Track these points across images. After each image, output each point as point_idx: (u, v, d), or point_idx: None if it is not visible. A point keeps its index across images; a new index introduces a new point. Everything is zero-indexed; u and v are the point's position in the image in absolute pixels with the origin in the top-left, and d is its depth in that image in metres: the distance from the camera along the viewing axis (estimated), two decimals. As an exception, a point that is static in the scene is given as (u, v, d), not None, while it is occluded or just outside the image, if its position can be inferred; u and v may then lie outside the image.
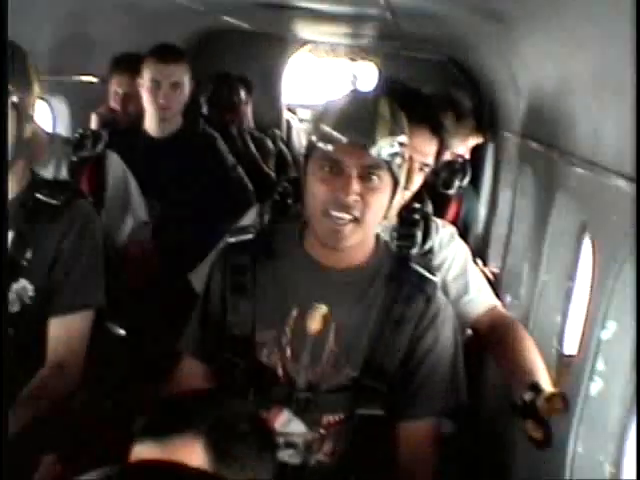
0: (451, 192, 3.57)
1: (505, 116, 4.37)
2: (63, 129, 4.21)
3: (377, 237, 2.41)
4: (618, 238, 1.91)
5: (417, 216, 2.75)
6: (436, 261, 2.70)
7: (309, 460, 2.33)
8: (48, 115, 4.22)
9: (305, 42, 6.96)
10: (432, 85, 4.06)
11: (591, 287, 2.14)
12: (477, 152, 5.50)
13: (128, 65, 4.14)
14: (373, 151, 2.13)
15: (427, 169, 2.69)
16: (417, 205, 2.79)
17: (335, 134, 2.14)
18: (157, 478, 1.34)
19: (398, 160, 2.19)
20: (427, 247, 2.70)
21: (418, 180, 2.69)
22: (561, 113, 2.72)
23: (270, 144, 5.78)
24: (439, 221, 2.85)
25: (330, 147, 2.14)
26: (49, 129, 3.35)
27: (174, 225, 3.87)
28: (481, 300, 2.77)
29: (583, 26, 2.18)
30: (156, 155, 3.91)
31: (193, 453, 1.66)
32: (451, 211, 3.86)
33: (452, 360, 2.36)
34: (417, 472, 2.28)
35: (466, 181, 3.68)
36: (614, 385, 1.97)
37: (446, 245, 2.78)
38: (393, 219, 2.73)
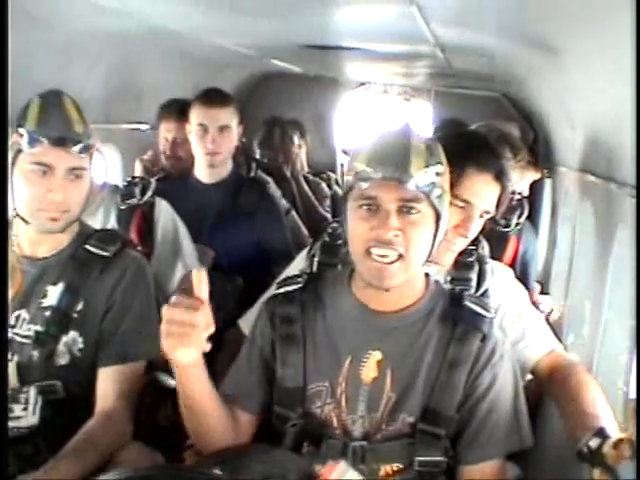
0: (509, 230, 3.47)
1: (561, 150, 4.29)
2: (113, 177, 4.21)
3: (427, 276, 2.34)
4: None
5: (472, 259, 2.69)
6: (492, 305, 2.62)
7: None
8: (99, 164, 4.23)
9: (358, 83, 6.95)
10: (485, 121, 4.01)
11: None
12: (535, 188, 5.45)
13: (176, 111, 4.13)
14: (409, 184, 2.08)
15: (487, 216, 2.61)
16: (472, 247, 2.71)
17: (369, 170, 2.10)
18: None
19: (437, 191, 2.13)
20: (482, 290, 2.63)
21: (477, 227, 2.61)
22: (617, 146, 2.64)
23: (325, 187, 5.73)
24: (495, 263, 2.78)
25: (366, 184, 2.10)
26: (100, 178, 3.34)
27: (226, 272, 3.83)
28: (540, 344, 2.67)
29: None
30: (206, 202, 3.88)
31: None
32: (510, 250, 3.77)
33: (513, 399, 2.28)
34: None
35: (524, 218, 3.60)
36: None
37: (502, 288, 2.70)
38: (448, 264, 2.66)
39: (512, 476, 2.97)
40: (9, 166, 2.46)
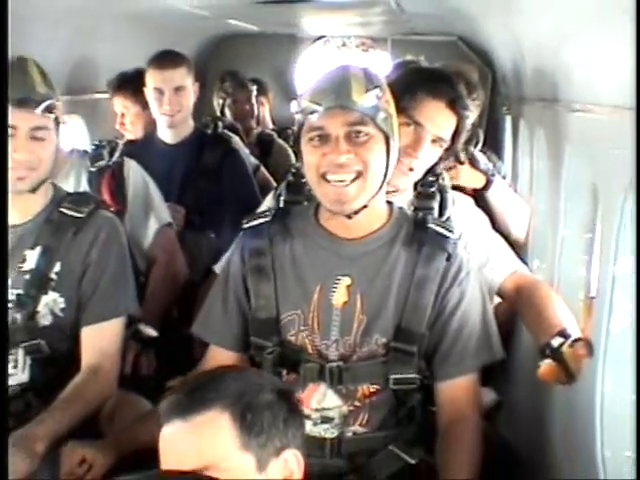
0: (465, 157, 3.56)
1: (516, 83, 4.38)
2: (80, 144, 4.27)
3: (390, 204, 2.44)
4: (619, 173, 1.93)
5: (433, 189, 2.80)
6: (457, 232, 2.73)
7: (345, 432, 2.37)
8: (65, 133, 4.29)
9: (315, 38, 7.00)
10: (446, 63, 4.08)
11: (601, 228, 2.16)
12: (498, 125, 5.57)
13: (126, 83, 4.20)
14: (353, 109, 2.20)
15: (443, 144, 2.71)
16: (433, 178, 2.82)
17: (314, 104, 2.23)
18: None
19: (382, 114, 2.25)
20: (444, 218, 2.73)
21: (432, 153, 2.72)
22: (559, 68, 2.74)
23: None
24: (456, 193, 2.89)
25: (314, 117, 2.23)
26: (67, 145, 3.41)
27: (198, 227, 3.92)
28: (504, 266, 2.79)
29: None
30: (172, 161, 3.96)
31: (220, 427, 1.72)
32: None
33: (482, 315, 2.39)
34: (460, 433, 2.29)
35: (479, 145, 3.70)
36: (634, 320, 1.98)
37: (463, 216, 2.81)
38: (410, 193, 2.77)
39: (489, 400, 3.12)
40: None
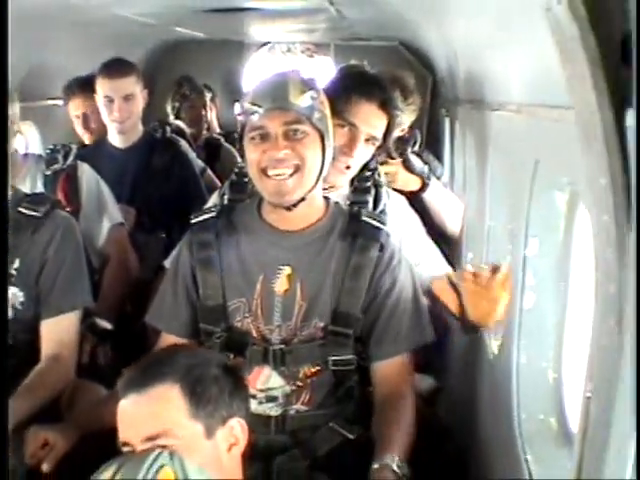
0: (404, 159, 3.75)
1: (452, 86, 4.58)
2: (35, 150, 4.42)
3: (326, 199, 2.65)
4: (527, 167, 2.14)
5: (368, 184, 3.01)
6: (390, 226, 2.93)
7: (289, 411, 2.56)
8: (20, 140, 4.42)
9: (261, 44, 7.15)
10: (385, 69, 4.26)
11: (512, 211, 2.36)
12: (437, 127, 5.77)
13: (80, 88, 4.33)
14: (290, 110, 2.42)
15: (376, 142, 2.92)
16: (368, 173, 3.03)
17: (255, 106, 2.44)
18: None
19: (317, 114, 2.47)
20: (378, 211, 2.93)
21: (366, 151, 2.93)
22: (486, 70, 2.93)
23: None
24: (390, 190, 3.10)
25: (255, 117, 2.43)
26: (22, 150, 3.58)
27: (148, 228, 4.09)
28: (432, 266, 2.99)
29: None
30: (122, 164, 4.14)
31: (172, 399, 1.91)
32: None
33: (413, 300, 2.60)
34: (395, 409, 2.48)
35: (417, 147, 3.89)
36: (544, 297, 2.19)
37: (397, 213, 3.01)
38: (346, 189, 2.97)
39: (428, 386, 3.33)
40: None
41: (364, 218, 2.61)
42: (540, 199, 2.12)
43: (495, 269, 2.55)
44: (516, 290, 2.28)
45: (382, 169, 3.24)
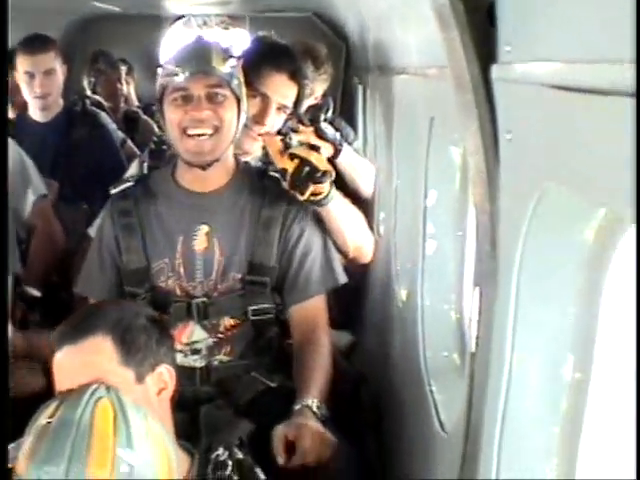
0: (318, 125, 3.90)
1: (363, 54, 4.72)
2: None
3: (236, 159, 2.83)
4: (424, 120, 2.32)
5: None
6: None
7: (212, 362, 2.73)
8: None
9: (176, 17, 7.21)
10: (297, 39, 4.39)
11: (413, 167, 2.55)
12: (352, 95, 5.91)
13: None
14: (213, 74, 2.59)
15: (287, 110, 3.10)
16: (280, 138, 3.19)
17: (179, 69, 2.59)
18: None
19: (235, 80, 2.65)
20: None
21: (277, 119, 3.10)
22: (393, 37, 3.08)
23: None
24: None
25: (178, 79, 2.59)
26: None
27: (70, 199, 4.20)
28: None
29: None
30: (44, 138, 4.25)
31: (104, 349, 2.07)
32: None
33: (322, 247, 2.80)
34: (312, 352, 2.66)
35: (329, 114, 4.04)
36: (444, 244, 2.39)
37: None
38: (259, 153, 3.14)
39: (347, 341, 3.51)
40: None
41: (271, 174, 2.80)
42: (437, 154, 2.31)
43: None
44: (418, 239, 2.46)
45: (295, 137, 3.39)
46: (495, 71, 1.34)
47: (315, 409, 2.44)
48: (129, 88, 6.13)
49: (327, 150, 3.81)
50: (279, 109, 3.07)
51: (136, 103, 6.18)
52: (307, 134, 3.73)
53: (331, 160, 3.78)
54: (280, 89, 3.06)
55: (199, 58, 2.61)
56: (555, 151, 1.16)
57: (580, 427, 1.44)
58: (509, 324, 1.38)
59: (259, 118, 3.02)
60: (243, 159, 2.89)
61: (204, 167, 2.67)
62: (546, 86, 1.16)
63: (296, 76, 3.10)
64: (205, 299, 2.69)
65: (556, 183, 1.18)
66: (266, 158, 3.11)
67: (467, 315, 2.34)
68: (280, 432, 2.31)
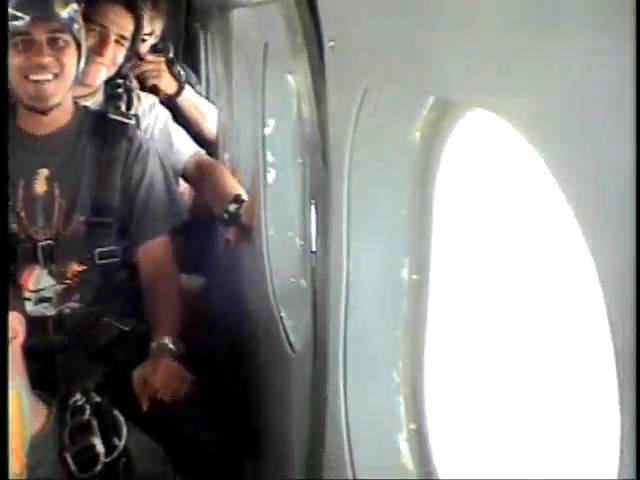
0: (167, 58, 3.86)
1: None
2: None
3: (76, 103, 2.81)
4: (258, 48, 2.32)
5: (120, 90, 3.16)
6: (142, 125, 3.13)
7: (63, 310, 2.71)
8: None
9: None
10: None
11: (251, 97, 2.56)
12: (195, 41, 5.83)
13: None
14: (55, 20, 2.57)
15: (125, 43, 3.10)
16: (120, 80, 3.17)
17: (20, 13, 2.55)
18: None
19: (76, 25, 2.64)
20: (131, 114, 3.08)
21: (117, 51, 3.09)
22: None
23: None
24: (142, 93, 3.29)
25: (19, 23, 2.55)
26: None
27: None
28: (185, 148, 3.24)
29: None
30: None
31: None
32: None
33: (165, 185, 2.81)
34: (161, 289, 2.69)
35: (171, 55, 4.01)
36: (285, 172, 2.42)
37: (148, 111, 3.23)
38: (100, 96, 3.10)
39: (199, 283, 3.52)
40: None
41: (110, 116, 2.81)
42: (273, 82, 2.32)
43: None
44: (259, 168, 2.48)
45: (146, 66, 3.41)
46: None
47: (172, 345, 2.48)
48: None
49: (172, 86, 3.82)
50: (117, 41, 3.07)
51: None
52: (159, 63, 3.74)
53: (174, 98, 3.80)
54: (117, 20, 3.06)
55: (40, 3, 2.59)
56: (376, 51, 1.18)
57: (423, 329, 1.48)
58: (344, 233, 1.41)
59: (99, 50, 3.01)
60: (82, 103, 2.87)
61: (45, 112, 2.65)
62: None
63: (132, 6, 3.11)
64: (50, 242, 2.66)
65: (378, 81, 1.19)
66: (107, 101, 3.08)
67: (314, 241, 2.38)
68: (138, 375, 2.36)
